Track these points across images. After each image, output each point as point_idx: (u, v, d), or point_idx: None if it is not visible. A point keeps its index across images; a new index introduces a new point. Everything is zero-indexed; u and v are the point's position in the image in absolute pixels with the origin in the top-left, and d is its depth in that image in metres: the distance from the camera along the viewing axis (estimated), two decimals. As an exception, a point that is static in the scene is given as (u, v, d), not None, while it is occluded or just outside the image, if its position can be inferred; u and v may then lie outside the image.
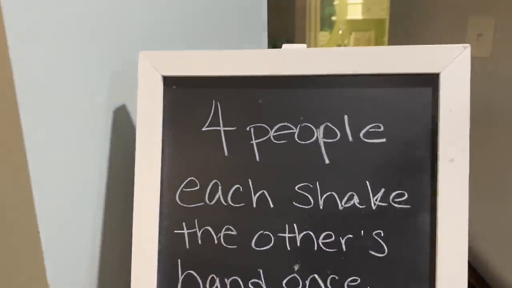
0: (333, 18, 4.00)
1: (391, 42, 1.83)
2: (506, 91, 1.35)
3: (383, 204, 0.45)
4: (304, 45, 0.49)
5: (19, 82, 0.40)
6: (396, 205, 0.45)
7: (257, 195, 0.47)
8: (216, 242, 0.48)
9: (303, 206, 0.47)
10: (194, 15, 0.65)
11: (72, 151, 0.48)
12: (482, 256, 1.32)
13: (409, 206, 0.45)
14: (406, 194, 0.45)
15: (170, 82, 0.49)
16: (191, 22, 0.65)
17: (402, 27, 1.76)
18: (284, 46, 0.49)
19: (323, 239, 0.46)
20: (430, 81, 0.44)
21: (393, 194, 0.45)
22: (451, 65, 0.43)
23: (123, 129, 0.55)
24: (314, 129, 0.46)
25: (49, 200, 0.44)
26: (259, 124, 0.48)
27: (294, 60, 0.47)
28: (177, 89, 0.49)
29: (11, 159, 0.42)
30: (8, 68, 0.40)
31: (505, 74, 1.36)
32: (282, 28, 2.89)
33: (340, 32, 4.01)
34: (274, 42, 2.79)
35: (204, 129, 0.48)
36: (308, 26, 3.22)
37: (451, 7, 1.53)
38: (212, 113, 0.48)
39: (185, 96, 0.49)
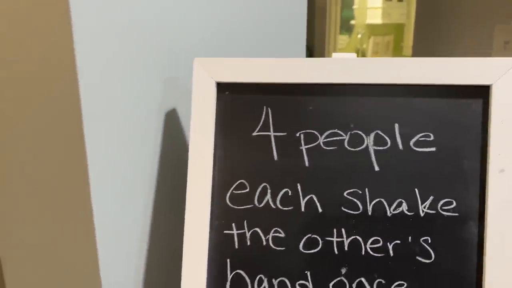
0: (352, 22, 4.00)
1: (416, 48, 1.83)
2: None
3: (431, 211, 0.46)
4: (354, 54, 0.50)
5: (83, 85, 0.42)
6: (444, 212, 0.46)
7: (305, 199, 0.49)
8: (264, 243, 0.49)
9: (351, 212, 0.48)
10: (241, 23, 0.67)
11: (127, 151, 0.50)
12: None
13: (457, 214, 0.46)
14: (454, 202, 0.46)
15: (223, 88, 0.51)
16: (238, 30, 0.67)
17: (427, 33, 1.76)
18: (334, 55, 0.51)
19: (370, 244, 0.47)
20: (482, 92, 0.45)
21: (442, 202, 0.46)
22: (503, 77, 0.44)
23: (174, 132, 0.57)
24: (364, 137, 0.48)
25: (104, 197, 0.46)
26: (309, 130, 0.49)
27: (345, 69, 0.48)
28: (230, 95, 0.51)
29: (72, 156, 0.44)
30: (74, 73, 0.42)
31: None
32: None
33: (359, 36, 4.00)
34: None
35: (254, 134, 0.50)
36: (328, 29, 3.23)
37: (477, 15, 1.53)
38: (263, 119, 0.50)
39: (237, 102, 0.51)
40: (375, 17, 3.97)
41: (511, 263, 0.44)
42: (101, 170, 0.45)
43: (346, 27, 3.97)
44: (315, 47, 3.10)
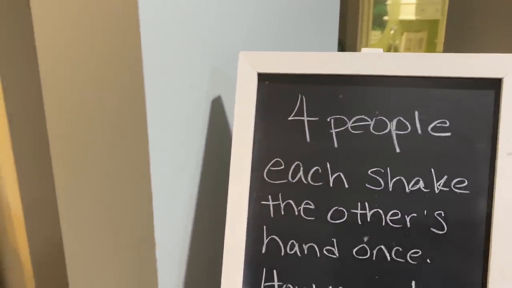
0: (385, 17, 3.98)
1: (447, 44, 1.84)
2: None
3: (445, 189, 0.52)
4: (381, 50, 0.57)
5: (147, 78, 0.50)
6: (456, 190, 0.52)
7: (334, 176, 0.56)
8: (296, 213, 0.57)
9: (374, 188, 0.55)
10: (279, 20, 0.75)
11: (181, 132, 0.58)
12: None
13: (468, 192, 0.52)
14: (466, 181, 0.52)
15: (263, 78, 0.58)
16: (276, 24, 0.74)
17: (459, 29, 1.77)
18: (363, 50, 0.57)
19: (390, 216, 0.54)
20: (494, 84, 0.51)
21: (455, 180, 0.52)
22: (514, 71, 0.50)
23: (219, 116, 0.65)
24: (388, 122, 0.54)
25: (161, 172, 0.55)
26: (338, 116, 0.56)
27: (372, 62, 0.55)
28: (269, 84, 0.58)
29: (136, 137, 0.53)
30: (140, 68, 0.50)
31: None
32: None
33: (392, 32, 3.98)
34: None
35: (290, 118, 0.57)
36: (360, 25, 3.24)
37: (509, 12, 1.54)
38: (297, 105, 0.57)
39: (276, 90, 0.58)
40: (408, 13, 3.94)
41: (515, 235, 0.49)
42: (160, 148, 0.54)
43: (379, 23, 3.96)
44: (347, 42, 3.12)
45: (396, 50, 3.85)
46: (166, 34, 0.52)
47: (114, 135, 0.55)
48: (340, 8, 0.83)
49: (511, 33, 1.50)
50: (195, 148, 0.62)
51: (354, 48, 3.04)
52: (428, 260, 0.53)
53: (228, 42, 0.65)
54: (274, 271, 0.57)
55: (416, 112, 0.53)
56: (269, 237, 0.58)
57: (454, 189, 0.52)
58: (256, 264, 0.58)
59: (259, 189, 0.58)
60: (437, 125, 0.53)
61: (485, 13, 1.60)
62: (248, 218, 0.58)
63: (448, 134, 0.52)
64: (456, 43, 1.77)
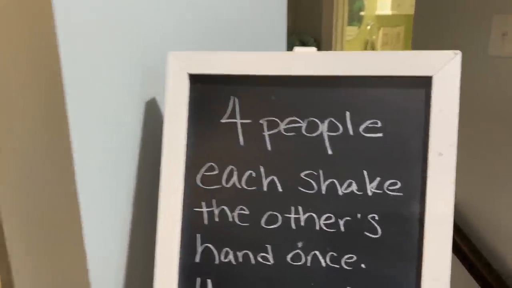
0: (362, 13, 3.99)
1: (415, 39, 1.84)
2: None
3: (378, 191, 0.51)
4: (314, 49, 0.55)
5: (67, 77, 0.47)
6: (390, 192, 0.50)
7: (267, 180, 0.54)
8: (230, 219, 0.55)
9: (307, 191, 0.53)
10: (216, 16, 0.72)
11: (109, 137, 0.56)
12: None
13: (401, 194, 0.50)
14: (399, 183, 0.50)
15: (195, 80, 0.56)
16: (214, 23, 0.71)
17: (427, 24, 1.77)
18: (296, 49, 0.55)
19: (324, 220, 0.52)
20: (424, 83, 0.49)
21: (388, 182, 0.50)
22: (443, 69, 0.48)
23: (153, 119, 0.62)
24: (320, 124, 0.53)
25: (88, 179, 0.52)
26: (271, 118, 0.54)
27: (304, 62, 0.53)
28: (201, 85, 0.56)
29: (57, 144, 0.50)
30: (58, 65, 0.47)
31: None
32: (309, 22, 2.92)
33: (369, 27, 3.99)
34: (300, 36, 2.82)
35: (223, 121, 0.55)
36: (335, 20, 3.23)
37: (475, 6, 1.54)
38: (230, 107, 0.55)
39: (208, 92, 0.56)
40: (384, 8, 3.96)
41: (448, 238, 0.48)
42: (85, 156, 0.51)
43: (355, 18, 3.96)
44: (322, 39, 3.11)
45: (373, 45, 3.86)
46: (87, 28, 0.49)
47: (33, 140, 0.52)
48: (314, 5, 0.81)
49: (476, 26, 1.51)
50: (127, 153, 0.59)
51: (330, 45, 3.03)
52: (362, 265, 0.51)
53: (163, 39, 0.62)
54: (209, 280, 0.55)
55: (348, 113, 0.52)
56: (203, 245, 0.56)
57: (387, 192, 0.51)
58: (190, 273, 0.56)
59: (192, 195, 0.56)
60: (369, 125, 0.51)
61: (451, 8, 1.60)
62: (182, 226, 0.56)
63: (380, 134, 0.51)
64: (423, 39, 1.77)
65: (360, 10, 3.95)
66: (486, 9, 1.50)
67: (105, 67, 0.53)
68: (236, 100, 0.55)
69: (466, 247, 1.33)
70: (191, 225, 0.56)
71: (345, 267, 0.52)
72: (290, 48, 0.56)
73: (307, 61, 0.53)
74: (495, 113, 1.44)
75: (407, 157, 0.50)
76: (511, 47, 1.46)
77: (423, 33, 1.81)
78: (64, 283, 0.55)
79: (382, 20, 4.00)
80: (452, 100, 0.48)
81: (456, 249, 1.32)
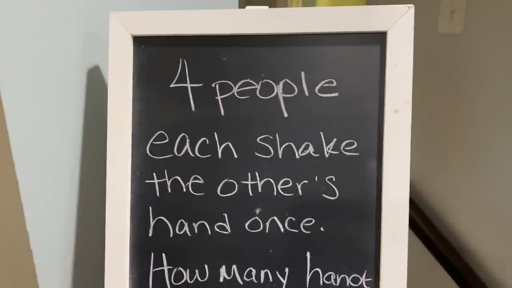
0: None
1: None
2: (478, 67, 1.40)
3: (335, 152, 0.49)
4: (266, 7, 0.52)
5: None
6: (346, 153, 0.49)
7: (222, 146, 0.51)
8: (184, 190, 0.52)
9: (264, 156, 0.51)
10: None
11: (49, 108, 0.51)
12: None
13: (358, 154, 0.49)
14: (355, 142, 0.49)
15: (140, 42, 0.52)
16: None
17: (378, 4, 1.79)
18: (247, 7, 0.53)
19: (281, 185, 0.50)
20: (379, 39, 0.48)
21: (344, 143, 0.49)
22: (397, 24, 0.47)
23: (97, 88, 0.58)
24: (274, 85, 0.50)
25: (28, 157, 0.47)
26: (223, 81, 0.51)
27: (256, 20, 0.50)
28: (147, 48, 0.52)
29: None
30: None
31: (477, 50, 1.42)
32: (265, 1, 2.88)
33: (322, 9, 4.00)
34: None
35: (172, 85, 0.52)
36: (290, 3, 3.22)
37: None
38: (179, 71, 0.52)
39: (154, 55, 0.52)
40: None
41: (405, 193, 0.48)
42: (22, 126, 0.46)
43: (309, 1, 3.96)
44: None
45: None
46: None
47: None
48: None
49: (425, 7, 1.54)
50: (71, 125, 0.54)
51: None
52: (322, 229, 0.50)
53: (105, 2, 0.58)
54: (163, 254, 0.52)
55: (302, 73, 0.50)
56: (156, 218, 0.52)
57: (344, 152, 0.49)
58: (143, 248, 0.52)
59: (142, 166, 0.52)
60: (324, 85, 0.49)
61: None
62: (132, 200, 0.52)
63: (336, 94, 0.49)
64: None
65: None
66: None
67: (40, 33, 0.48)
68: (185, 63, 0.52)
69: (420, 221, 1.37)
70: (142, 198, 0.52)
71: (304, 231, 0.50)
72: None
73: (258, 19, 0.50)
74: (445, 89, 1.48)
75: (363, 115, 0.49)
76: (458, 25, 1.51)
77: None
78: (7, 259, 0.50)
79: (336, 2, 4.03)
80: (407, 55, 0.47)
81: (419, 233, 1.36)
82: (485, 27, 1.40)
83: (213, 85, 0.51)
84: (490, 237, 1.25)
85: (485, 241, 1.25)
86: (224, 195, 0.51)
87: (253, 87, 0.51)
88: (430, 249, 1.35)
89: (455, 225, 1.38)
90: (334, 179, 0.50)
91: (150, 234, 0.52)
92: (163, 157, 0.52)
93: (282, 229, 0.51)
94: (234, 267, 0.51)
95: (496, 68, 1.34)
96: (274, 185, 0.51)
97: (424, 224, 1.37)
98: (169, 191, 0.52)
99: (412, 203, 1.43)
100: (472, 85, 1.41)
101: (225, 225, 0.51)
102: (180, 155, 0.52)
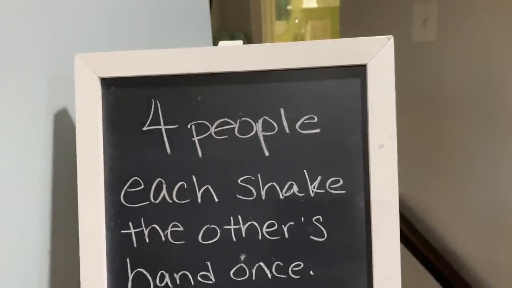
0: (289, 7, 4.03)
1: (342, 30, 1.87)
2: (451, 74, 1.42)
3: (320, 191, 0.47)
4: (240, 42, 0.50)
5: None
6: (332, 191, 0.47)
7: (201, 190, 0.49)
8: (163, 239, 0.49)
9: (246, 198, 0.48)
10: (133, 14, 0.65)
11: (14, 156, 0.47)
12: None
13: (344, 192, 0.47)
14: (341, 180, 0.47)
15: (108, 84, 0.49)
16: (131, 21, 0.64)
17: (352, 14, 1.80)
18: (221, 43, 0.50)
19: (266, 228, 0.48)
20: (359, 72, 0.46)
21: (329, 181, 0.47)
22: (377, 56, 0.46)
23: (65, 133, 0.54)
24: (253, 123, 0.48)
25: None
26: (199, 121, 0.49)
27: (230, 57, 0.48)
28: (116, 90, 0.49)
29: None
30: None
31: (450, 58, 1.43)
32: (238, 19, 2.89)
33: (297, 21, 4.04)
34: (232, 34, 2.78)
35: (145, 128, 0.49)
36: (264, 16, 3.23)
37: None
38: (152, 112, 0.49)
39: (124, 97, 0.49)
40: (310, 1, 4.02)
41: (395, 231, 0.46)
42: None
43: (283, 13, 3.99)
44: (253, 35, 3.09)
45: (302, 39, 3.91)
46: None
47: None
48: (243, 1, 0.76)
49: (398, 13, 1.55)
50: (39, 173, 0.51)
51: (260, 41, 3.02)
52: (311, 272, 0.48)
53: (70, 41, 0.54)
54: (144, 309, 0.49)
55: (282, 110, 0.48)
56: (135, 271, 0.49)
57: (329, 190, 0.47)
58: (122, 304, 0.49)
59: (117, 216, 0.49)
60: (305, 121, 0.47)
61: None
62: (108, 253, 0.49)
63: (317, 130, 0.47)
64: (350, 29, 1.80)
65: (287, 4, 3.98)
66: (408, -3, 1.54)
67: (4, 77, 0.45)
68: (158, 104, 0.49)
69: (415, 238, 1.36)
70: (119, 249, 0.49)
71: (293, 276, 0.48)
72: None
73: (232, 56, 0.48)
74: (420, 98, 1.49)
75: (347, 151, 0.47)
76: (431, 33, 1.52)
77: (349, 24, 1.84)
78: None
79: (309, 14, 4.06)
80: (389, 88, 0.46)
81: (406, 241, 1.35)
82: (458, 34, 1.42)
83: (188, 126, 0.49)
84: (476, 241, 1.25)
85: (471, 245, 1.25)
86: (206, 242, 0.49)
87: (231, 126, 0.48)
88: (422, 262, 1.35)
89: (441, 231, 1.38)
90: (321, 219, 0.47)
91: (130, 287, 0.49)
92: (139, 204, 0.49)
93: (269, 275, 0.48)
94: (220, 318, 0.48)
95: (470, 74, 1.35)
96: (259, 229, 0.48)
97: (409, 232, 1.36)
98: (147, 241, 0.49)
99: (403, 218, 1.43)
100: (447, 91, 1.42)
101: (208, 274, 0.48)
102: (157, 201, 0.49)
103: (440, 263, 1.30)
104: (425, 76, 1.50)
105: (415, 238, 1.31)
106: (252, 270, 0.48)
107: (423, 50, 1.51)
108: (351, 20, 1.83)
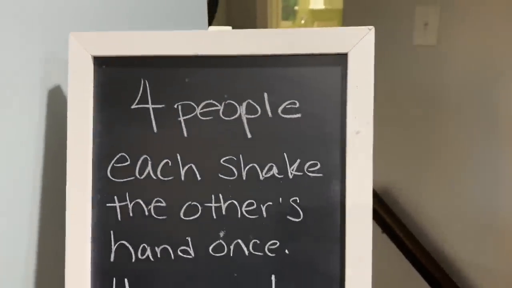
0: (296, 7, 4.04)
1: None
2: (451, 77, 1.43)
3: (298, 173, 0.49)
4: (230, 27, 0.52)
5: None
6: (310, 174, 0.49)
7: (185, 168, 0.51)
8: (146, 213, 0.51)
9: (228, 178, 0.50)
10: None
11: (6, 130, 0.49)
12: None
13: (321, 175, 0.49)
14: (319, 163, 0.49)
15: (100, 62, 0.51)
16: (127, 2, 0.66)
17: (354, 17, 1.82)
18: (210, 28, 0.52)
19: (246, 207, 0.50)
20: (340, 60, 0.48)
21: (308, 164, 0.49)
22: (358, 46, 0.47)
23: (57, 109, 0.56)
24: (238, 106, 0.50)
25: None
26: (186, 102, 0.50)
27: (219, 40, 0.50)
28: (107, 69, 0.51)
29: None
30: None
31: (450, 61, 1.45)
32: (244, 19, 2.90)
33: (303, 22, 4.05)
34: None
35: (133, 107, 0.51)
36: (270, 16, 3.24)
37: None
38: (141, 92, 0.51)
39: (115, 76, 0.51)
40: (318, 2, 4.03)
41: (368, 215, 0.48)
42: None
43: (290, 13, 4.01)
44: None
45: (308, 39, 3.91)
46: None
47: None
48: (248, 1, 0.77)
49: (400, 17, 1.57)
50: (30, 148, 0.53)
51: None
52: (286, 251, 0.50)
53: (64, 19, 0.56)
54: (125, 279, 0.51)
55: (266, 94, 0.49)
56: (118, 243, 0.51)
57: (307, 173, 0.49)
58: (104, 274, 0.51)
59: (103, 190, 0.51)
60: (287, 106, 0.49)
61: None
62: (92, 223, 0.51)
63: (298, 115, 0.49)
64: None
65: (295, 4, 4.00)
66: (409, 1, 1.56)
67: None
68: (147, 83, 0.51)
69: (398, 229, 1.38)
70: (103, 222, 0.51)
71: (269, 254, 0.50)
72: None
73: (220, 40, 0.50)
74: (421, 99, 1.50)
75: (326, 136, 0.49)
76: (432, 36, 1.54)
77: (352, 25, 1.86)
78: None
79: (316, 15, 4.07)
80: (368, 76, 0.47)
81: (390, 232, 1.37)
82: (458, 37, 1.43)
83: (175, 106, 0.51)
84: (467, 244, 1.27)
85: (462, 248, 1.26)
86: (187, 218, 0.50)
87: (216, 108, 0.50)
88: (406, 255, 1.36)
89: (432, 231, 1.39)
90: (298, 201, 0.49)
91: (112, 259, 0.51)
92: (125, 179, 0.51)
93: (246, 252, 0.50)
94: (198, 292, 0.50)
95: (469, 77, 1.36)
96: (238, 207, 0.50)
97: (401, 231, 1.38)
98: (131, 214, 0.51)
99: (390, 212, 1.44)
100: (447, 94, 1.43)
101: (188, 249, 0.50)
102: (142, 177, 0.51)
103: (430, 265, 1.32)
104: (425, 79, 1.52)
105: (401, 232, 1.32)
106: (230, 246, 0.50)
107: (423, 53, 1.52)
108: (353, 23, 1.84)
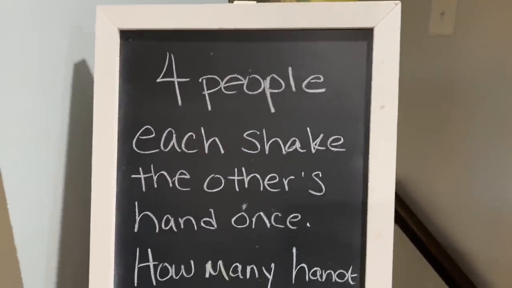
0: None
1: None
2: (468, 69, 1.41)
3: (321, 148, 0.49)
4: (254, 2, 0.52)
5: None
6: (333, 148, 0.49)
7: (209, 141, 0.51)
8: (171, 185, 0.52)
9: (250, 152, 0.51)
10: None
11: (35, 103, 0.50)
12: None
13: (344, 149, 0.49)
14: (342, 138, 0.49)
15: (126, 36, 0.51)
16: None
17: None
18: (235, 1, 0.53)
19: (268, 180, 0.50)
20: (366, 35, 0.48)
21: (331, 138, 0.49)
22: (384, 20, 0.47)
23: (84, 82, 0.57)
24: (261, 81, 0.50)
25: (12, 153, 0.47)
26: (210, 76, 0.51)
27: (244, 14, 0.50)
28: (133, 42, 0.52)
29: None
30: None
31: (467, 52, 1.43)
32: None
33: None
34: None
35: (158, 80, 0.52)
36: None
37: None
38: (166, 65, 0.51)
39: (141, 49, 0.52)
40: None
41: (391, 191, 0.48)
42: (8, 126, 0.46)
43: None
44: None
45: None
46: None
47: None
48: None
49: (417, 8, 1.55)
50: (57, 120, 0.54)
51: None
52: (308, 224, 0.50)
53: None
54: (149, 250, 0.52)
55: (290, 68, 0.50)
56: (142, 214, 0.52)
57: (330, 148, 0.49)
58: (128, 244, 0.52)
59: (128, 161, 0.52)
60: (311, 81, 0.49)
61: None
62: (117, 194, 0.52)
63: (323, 90, 0.49)
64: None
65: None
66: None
67: (26, 27, 0.48)
68: (172, 57, 0.51)
69: (410, 221, 1.37)
70: (128, 193, 0.52)
71: (290, 226, 0.50)
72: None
73: (246, 14, 0.50)
74: (436, 90, 1.49)
75: (350, 111, 0.49)
76: (448, 26, 1.52)
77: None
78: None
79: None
80: (394, 51, 0.47)
81: (402, 224, 1.36)
82: (475, 27, 1.41)
83: (200, 80, 0.51)
84: (480, 238, 1.26)
85: (475, 242, 1.26)
86: (210, 191, 0.51)
87: (240, 82, 0.51)
88: (419, 248, 1.36)
89: (445, 225, 1.39)
90: (320, 175, 0.50)
91: (136, 229, 0.52)
92: (149, 152, 0.52)
93: (268, 225, 0.51)
94: (220, 262, 0.51)
95: (486, 68, 1.34)
96: (261, 181, 0.51)
97: (413, 224, 1.37)
98: (155, 186, 0.52)
99: (403, 202, 1.44)
100: (463, 86, 1.42)
101: (211, 220, 0.51)
102: (167, 150, 0.52)
103: (442, 257, 1.31)
104: (440, 69, 1.50)
105: (418, 229, 1.32)
106: (252, 219, 0.51)
107: (440, 43, 1.51)
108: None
